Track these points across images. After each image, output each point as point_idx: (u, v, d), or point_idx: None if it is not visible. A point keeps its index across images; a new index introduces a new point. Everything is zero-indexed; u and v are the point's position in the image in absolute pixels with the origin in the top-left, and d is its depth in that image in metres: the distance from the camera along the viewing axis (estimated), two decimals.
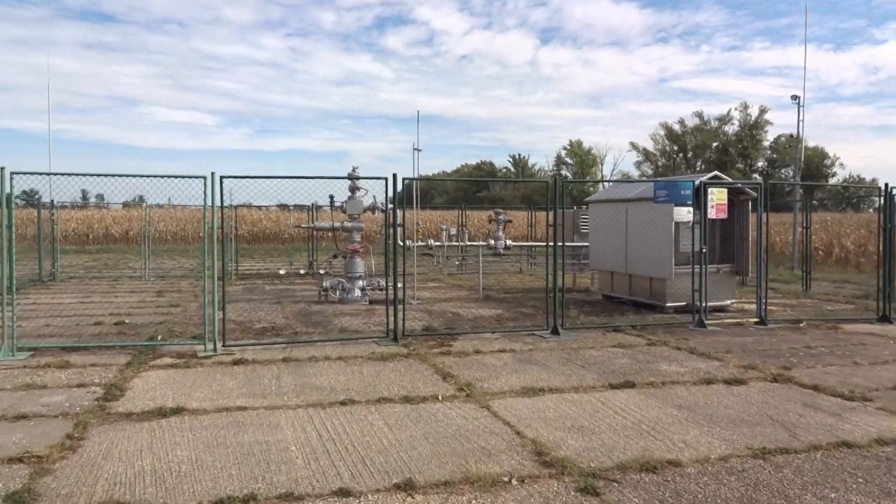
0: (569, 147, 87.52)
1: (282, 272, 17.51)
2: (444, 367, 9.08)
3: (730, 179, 14.27)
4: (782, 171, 79.45)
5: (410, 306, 15.91)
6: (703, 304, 12.59)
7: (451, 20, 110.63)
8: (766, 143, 79.42)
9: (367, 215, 17.33)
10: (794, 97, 26.81)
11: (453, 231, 17.57)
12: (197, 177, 10.12)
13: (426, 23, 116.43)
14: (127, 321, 13.09)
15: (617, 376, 8.62)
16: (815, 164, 77.50)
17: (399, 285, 11.19)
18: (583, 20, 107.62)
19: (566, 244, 18.85)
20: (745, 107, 79.83)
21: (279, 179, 10.99)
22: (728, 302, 14.52)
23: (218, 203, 10.16)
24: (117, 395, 7.61)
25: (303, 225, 17.76)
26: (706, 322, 12.50)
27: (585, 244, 18.64)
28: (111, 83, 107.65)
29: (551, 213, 11.79)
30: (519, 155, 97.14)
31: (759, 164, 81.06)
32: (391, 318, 11.13)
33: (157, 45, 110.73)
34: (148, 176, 10.33)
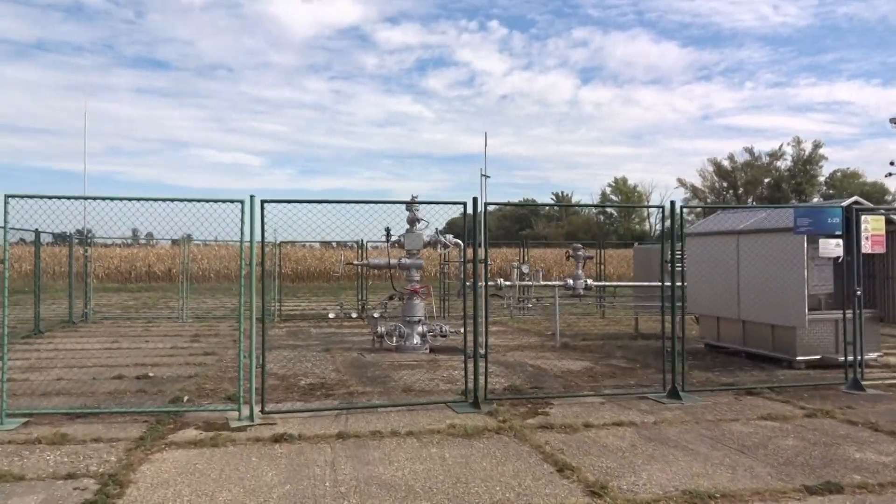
0: (613, 184, 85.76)
1: (331, 315, 15.52)
2: (553, 450, 6.75)
3: (871, 205, 11.75)
4: None
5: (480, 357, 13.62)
6: (860, 360, 10.02)
7: (492, 61, 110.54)
8: (822, 179, 76.23)
9: (426, 252, 15.25)
10: (894, 120, 24.08)
11: (525, 269, 15.31)
12: (234, 200, 8.13)
13: (467, 64, 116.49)
14: (151, 374, 11.08)
15: (802, 471, 6.17)
16: (876, 200, 73.88)
17: (480, 337, 8.94)
18: (623, 59, 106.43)
19: (646, 284, 16.41)
20: (799, 141, 77.46)
21: (327, 206, 8.91)
22: (873, 355, 11.88)
23: (258, 232, 8.13)
24: (113, 496, 5.47)
25: (355, 262, 15.77)
26: (863, 383, 9.93)
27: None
28: (162, 127, 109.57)
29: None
30: (562, 192, 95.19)
31: (815, 199, 77.94)
32: (469, 377, 8.86)
33: (206, 90, 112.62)
34: (176, 200, 8.34)
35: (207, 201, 8.13)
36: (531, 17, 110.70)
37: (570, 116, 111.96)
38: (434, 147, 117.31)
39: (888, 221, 11.88)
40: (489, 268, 23.80)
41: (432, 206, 9.52)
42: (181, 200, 8.21)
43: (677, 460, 6.47)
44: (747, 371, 11.63)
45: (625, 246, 51.11)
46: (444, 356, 13.51)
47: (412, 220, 14.39)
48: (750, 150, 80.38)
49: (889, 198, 77.52)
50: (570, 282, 15.31)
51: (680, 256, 9.36)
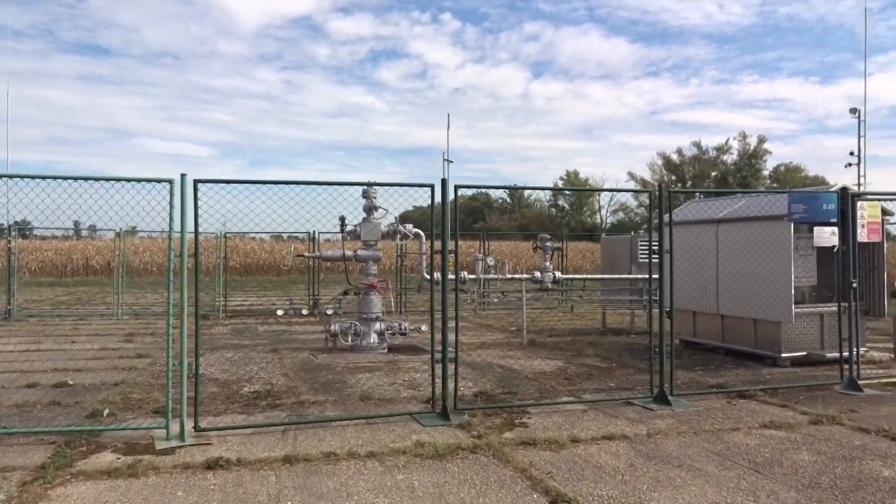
0: (565, 177, 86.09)
1: (279, 313, 14.27)
2: (541, 474, 5.73)
3: (866, 191, 11.07)
4: None
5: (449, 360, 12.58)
6: (856, 357, 9.29)
7: (445, 54, 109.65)
8: (766, 172, 78.03)
9: (382, 243, 14.09)
10: (854, 110, 23.90)
11: (490, 261, 14.30)
12: (161, 180, 6.87)
13: (419, 56, 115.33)
14: (71, 382, 9.70)
15: (833, 495, 5.29)
16: None
17: (448, 336, 7.88)
18: (574, 54, 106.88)
19: (619, 276, 15.61)
20: (744, 136, 79.20)
21: (274, 191, 7.68)
22: (860, 350, 11.21)
23: (191, 217, 6.90)
24: None
25: (306, 254, 14.53)
26: (859, 382, 9.21)
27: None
28: (105, 115, 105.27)
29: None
30: (514, 185, 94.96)
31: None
32: (437, 383, 7.79)
33: (151, 78, 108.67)
34: (91, 179, 7.00)
35: (129, 180, 6.86)
36: (484, 11, 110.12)
37: (522, 110, 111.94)
38: (387, 139, 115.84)
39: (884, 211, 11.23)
40: (444, 262, 22.66)
41: (392, 192, 8.37)
42: (97, 179, 6.91)
43: (687, 485, 5.52)
44: (731, 370, 10.85)
45: (577, 238, 50.67)
46: (404, 356, 12.43)
47: (369, 209, 13.23)
48: (698, 145, 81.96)
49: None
50: (538, 275, 14.37)
51: (670, 246, 8.43)
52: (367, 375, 10.46)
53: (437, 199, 7.78)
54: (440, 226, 7.80)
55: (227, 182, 7.03)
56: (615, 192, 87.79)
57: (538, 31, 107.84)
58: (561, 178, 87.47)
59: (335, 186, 7.80)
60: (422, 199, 8.05)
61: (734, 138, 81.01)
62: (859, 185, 24.94)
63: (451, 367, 7.86)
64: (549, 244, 14.48)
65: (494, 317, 19.35)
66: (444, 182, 7.82)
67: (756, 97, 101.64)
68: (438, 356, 7.80)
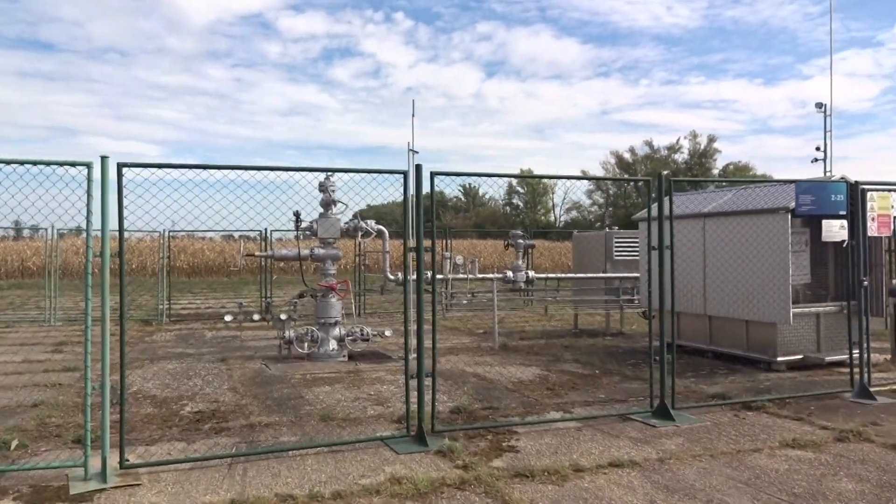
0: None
1: (227, 318, 12.99)
2: None
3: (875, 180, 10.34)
4: None
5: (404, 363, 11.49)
6: (867, 362, 8.52)
7: (398, 53, 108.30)
8: (715, 171, 79.63)
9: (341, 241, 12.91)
10: (820, 105, 23.59)
11: (459, 260, 13.23)
12: (77, 163, 5.62)
13: (372, 55, 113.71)
14: None
15: None
16: None
17: (421, 343, 6.80)
18: (526, 54, 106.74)
19: (600, 276, 14.76)
20: (695, 135, 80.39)
21: (221, 182, 6.48)
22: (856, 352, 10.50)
23: (113, 209, 5.67)
24: None
25: (257, 254, 13.27)
26: (871, 389, 8.44)
27: (626, 275, 14.55)
28: (49, 113, 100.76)
29: (644, 226, 7.64)
30: (469, 184, 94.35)
31: (710, 189, 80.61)
32: (412, 401, 6.70)
33: (97, 74, 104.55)
34: (7, 162, 5.69)
35: (37, 163, 5.58)
36: (436, 10, 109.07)
37: (475, 109, 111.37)
38: (340, 138, 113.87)
39: None
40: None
41: (355, 185, 7.20)
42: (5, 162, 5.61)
43: None
44: (725, 376, 10.03)
45: (533, 237, 49.88)
46: (367, 365, 11.30)
47: (327, 203, 12.04)
48: (650, 144, 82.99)
49: None
50: (510, 274, 13.38)
51: (670, 241, 7.50)
52: (326, 389, 9.30)
53: (410, 190, 6.71)
54: (419, 218, 6.72)
55: (158, 167, 5.81)
56: (567, 190, 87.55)
57: (491, 31, 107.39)
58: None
59: (290, 174, 6.63)
60: (387, 192, 6.99)
61: (685, 137, 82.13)
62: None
63: (426, 381, 6.78)
64: (521, 241, 13.50)
65: (460, 319, 18.32)
66: (418, 168, 6.74)
67: (703, 98, 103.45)
68: (411, 368, 6.72)
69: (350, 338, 12.05)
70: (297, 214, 11.80)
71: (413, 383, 6.67)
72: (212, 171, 6.10)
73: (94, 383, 5.68)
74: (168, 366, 11.20)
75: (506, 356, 12.16)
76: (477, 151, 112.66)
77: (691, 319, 11.82)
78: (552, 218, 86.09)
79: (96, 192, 5.52)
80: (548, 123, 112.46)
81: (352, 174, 6.93)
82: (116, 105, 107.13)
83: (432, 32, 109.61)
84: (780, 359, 10.16)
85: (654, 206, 7.60)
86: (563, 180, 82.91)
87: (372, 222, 12.34)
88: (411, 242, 6.84)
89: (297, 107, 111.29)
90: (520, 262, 13.50)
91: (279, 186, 6.69)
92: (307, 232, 12.31)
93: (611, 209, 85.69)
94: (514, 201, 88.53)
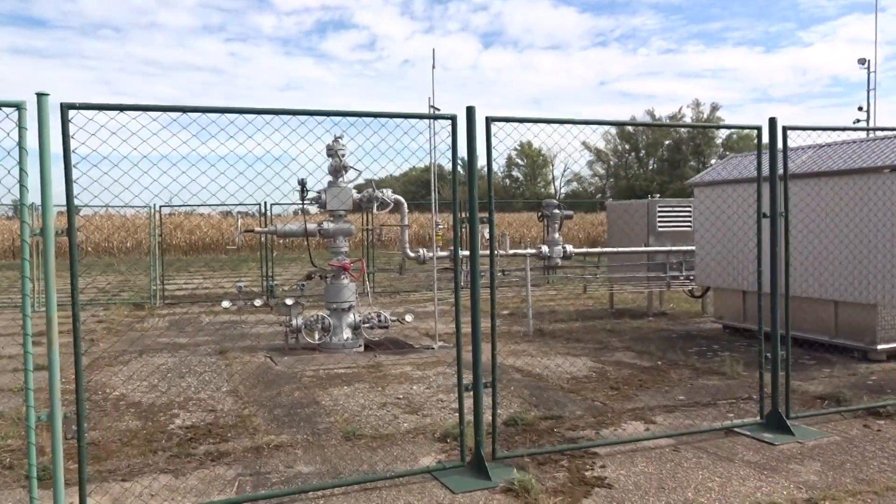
0: (519, 148, 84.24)
1: (226, 304, 11.43)
2: None
3: None
4: None
5: (430, 353, 9.95)
6: None
7: (393, 24, 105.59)
8: (719, 141, 78.07)
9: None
10: (863, 60, 21.82)
11: (487, 234, 11.58)
12: (7, 103, 3.96)
13: (367, 27, 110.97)
14: None
15: None
16: None
17: (478, 343, 5.23)
18: (523, 24, 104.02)
19: (655, 249, 13.16)
20: (697, 104, 78.82)
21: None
22: None
23: (49, 163, 4.03)
24: None
25: (257, 230, 11.65)
26: None
27: (674, 248, 12.95)
28: (44, 89, 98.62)
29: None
30: (462, 158, 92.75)
31: (713, 161, 79.60)
32: (465, 418, 5.14)
33: (91, 51, 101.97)
34: None
35: None
36: None
37: (472, 81, 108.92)
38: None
39: None
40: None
41: (372, 145, 5.50)
42: None
43: None
44: (816, 368, 8.47)
45: (530, 209, 47.99)
46: (387, 356, 9.76)
47: (336, 170, 10.41)
48: (651, 114, 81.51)
49: None
50: (545, 249, 11.77)
51: (784, 206, 5.90)
52: (345, 390, 7.74)
53: (461, 142, 5.09)
54: (472, 179, 5.12)
55: (118, 108, 4.16)
56: (567, 163, 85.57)
57: (487, 1, 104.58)
58: (514, 149, 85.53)
59: (291, 127, 4.98)
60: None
61: (687, 107, 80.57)
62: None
63: (491, 400, 5.23)
64: (556, 211, 11.87)
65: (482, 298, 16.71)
66: (469, 112, 5.10)
67: (702, 67, 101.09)
68: (466, 377, 5.15)
69: (367, 325, 10.48)
70: (302, 182, 10.16)
71: (465, 399, 5.10)
72: (193, 117, 4.45)
73: (40, 413, 4.09)
74: (159, 360, 9.65)
75: (544, 343, 10.60)
76: None
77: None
78: (552, 190, 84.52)
79: (29, 143, 3.88)
80: (546, 95, 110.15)
81: (378, 122, 5.25)
82: (113, 81, 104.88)
83: (428, 3, 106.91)
84: (879, 347, 8.60)
85: (749, 162, 5.96)
86: (565, 155, 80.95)
87: (388, 191, 10.70)
88: (463, 213, 5.24)
89: (293, 81, 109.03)
90: (556, 234, 11.87)
91: (279, 158, 5.06)
92: (314, 203, 10.71)
93: (611, 180, 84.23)
94: (514, 174, 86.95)
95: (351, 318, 10.46)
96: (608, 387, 7.75)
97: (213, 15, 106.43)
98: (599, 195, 78.17)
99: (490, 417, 5.29)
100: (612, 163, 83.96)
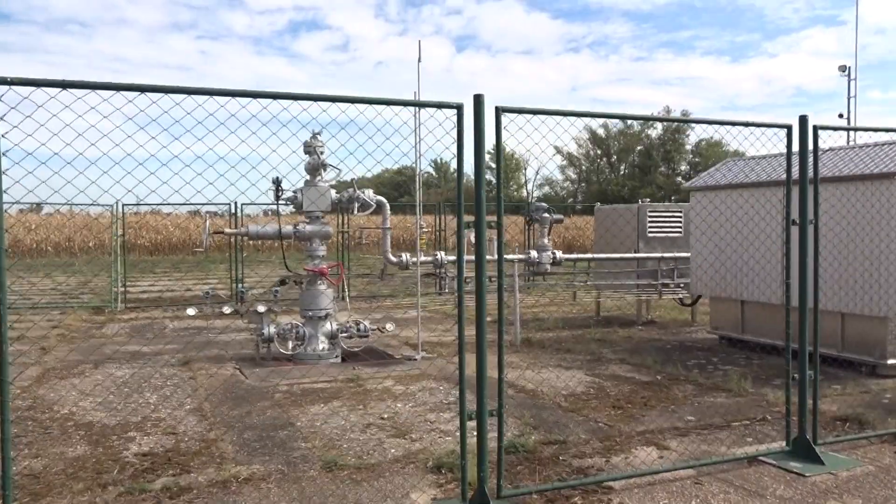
0: (491, 152, 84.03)
1: (191, 312, 10.62)
2: None
3: None
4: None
5: (413, 364, 9.29)
6: None
7: (367, 26, 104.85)
8: (689, 147, 78.77)
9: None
10: (843, 67, 21.68)
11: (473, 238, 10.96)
12: None
13: (340, 28, 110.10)
14: None
15: None
16: None
17: (483, 363, 4.60)
18: (496, 29, 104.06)
19: (648, 256, 12.65)
20: (668, 111, 79.22)
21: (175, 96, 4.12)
22: None
23: None
24: None
25: (227, 231, 10.88)
26: None
27: (667, 255, 12.45)
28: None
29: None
30: (440, 159, 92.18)
31: (682, 167, 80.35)
32: (467, 456, 4.50)
33: (56, 47, 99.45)
34: None
35: None
36: None
37: (446, 84, 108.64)
38: (309, 113, 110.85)
39: None
40: (428, 236, 18.33)
41: (356, 143, 4.82)
42: None
43: None
44: (826, 384, 7.91)
45: (509, 213, 47.57)
46: (367, 368, 9.08)
47: (314, 168, 9.70)
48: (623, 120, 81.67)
49: None
50: (534, 254, 11.18)
51: (815, 213, 5.36)
52: (323, 409, 7.05)
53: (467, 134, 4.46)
54: (479, 179, 4.49)
55: (52, 84, 3.44)
56: (539, 168, 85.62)
57: (461, 4, 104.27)
58: (488, 153, 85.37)
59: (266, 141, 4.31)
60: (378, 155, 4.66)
61: (659, 113, 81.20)
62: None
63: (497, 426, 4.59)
64: (546, 216, 11.30)
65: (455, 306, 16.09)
66: (477, 101, 4.47)
67: (672, 75, 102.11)
68: (469, 403, 4.52)
69: (344, 334, 9.79)
70: (276, 181, 9.46)
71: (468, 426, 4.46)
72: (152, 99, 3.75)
73: None
74: (117, 372, 8.85)
75: (533, 355, 10.00)
76: None
77: (759, 310, 9.75)
78: (524, 194, 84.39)
79: None
80: (519, 99, 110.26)
81: (364, 117, 4.59)
82: (78, 78, 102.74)
83: (402, 5, 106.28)
84: (890, 361, 8.14)
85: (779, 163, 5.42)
86: (536, 161, 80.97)
87: (370, 192, 10.02)
88: (468, 216, 4.61)
89: (264, 80, 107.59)
90: (545, 240, 11.29)
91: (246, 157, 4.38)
92: (290, 204, 9.99)
93: (583, 185, 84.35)
94: (487, 177, 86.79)
95: (328, 326, 9.75)
96: (610, 405, 7.16)
97: (183, 12, 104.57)
98: (571, 199, 78.25)
99: (492, 446, 4.65)
100: (583, 167, 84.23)
